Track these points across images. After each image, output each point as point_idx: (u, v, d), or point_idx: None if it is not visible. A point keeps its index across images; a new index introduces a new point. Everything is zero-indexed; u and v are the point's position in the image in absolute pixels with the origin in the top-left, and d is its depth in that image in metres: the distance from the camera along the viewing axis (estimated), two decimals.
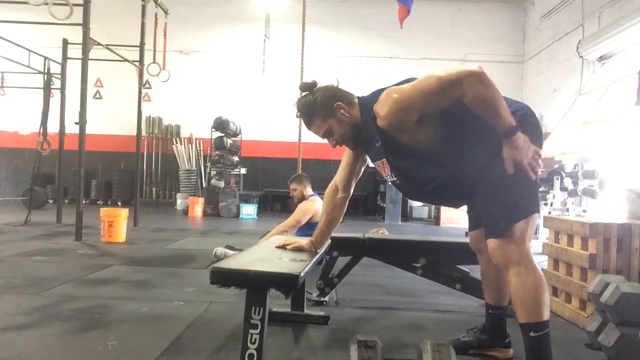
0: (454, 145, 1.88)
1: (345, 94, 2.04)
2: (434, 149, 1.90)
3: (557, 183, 6.43)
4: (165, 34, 7.92)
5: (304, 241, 2.31)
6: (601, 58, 7.94)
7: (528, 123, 1.83)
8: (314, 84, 2.08)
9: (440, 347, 1.66)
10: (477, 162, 1.84)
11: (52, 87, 7.16)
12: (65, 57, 7.00)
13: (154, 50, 7.58)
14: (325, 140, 2.10)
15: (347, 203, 2.28)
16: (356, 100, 2.04)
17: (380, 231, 5.06)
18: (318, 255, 2.24)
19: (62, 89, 7.14)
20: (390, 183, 2.11)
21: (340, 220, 2.34)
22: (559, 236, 3.05)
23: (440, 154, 1.90)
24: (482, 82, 1.69)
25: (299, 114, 2.08)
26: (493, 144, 1.80)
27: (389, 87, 1.92)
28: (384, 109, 1.84)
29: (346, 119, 1.99)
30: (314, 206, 4.12)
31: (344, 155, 2.26)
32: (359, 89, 2.08)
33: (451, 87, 1.71)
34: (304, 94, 2.08)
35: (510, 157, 1.75)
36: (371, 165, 2.19)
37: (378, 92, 1.93)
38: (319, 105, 2.00)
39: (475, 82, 1.68)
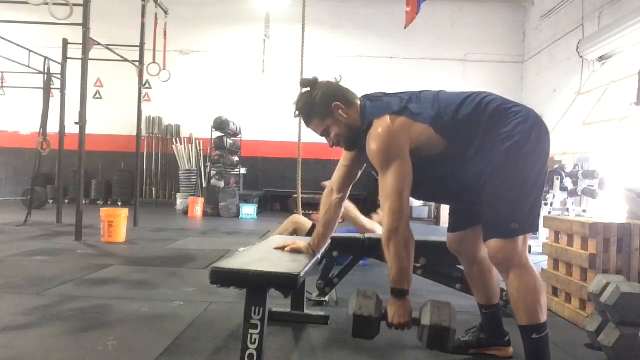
0: (458, 156, 1.87)
1: (345, 92, 2.01)
2: (435, 161, 1.90)
3: (557, 183, 6.41)
4: (165, 34, 7.91)
5: (302, 243, 2.29)
6: (601, 58, 7.95)
7: (527, 131, 1.80)
8: (315, 80, 2.03)
9: (440, 305, 1.81)
10: (490, 162, 1.82)
11: (52, 87, 7.15)
12: (65, 57, 6.99)
13: (154, 50, 7.58)
14: (326, 140, 2.09)
15: (343, 205, 2.25)
16: (357, 101, 2.00)
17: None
18: (317, 257, 2.23)
19: (62, 89, 7.13)
20: None
21: (340, 220, 2.33)
22: (559, 236, 3.05)
23: (444, 161, 1.89)
24: (397, 240, 1.78)
25: (297, 112, 2.05)
26: (499, 148, 1.80)
27: (383, 117, 1.87)
28: (371, 147, 1.87)
29: (343, 119, 1.96)
30: None
31: (342, 156, 2.24)
32: (359, 89, 2.07)
33: (390, 211, 1.80)
34: (304, 90, 2.03)
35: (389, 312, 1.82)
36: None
37: (380, 109, 1.91)
38: (318, 104, 1.97)
39: (396, 235, 1.78)
